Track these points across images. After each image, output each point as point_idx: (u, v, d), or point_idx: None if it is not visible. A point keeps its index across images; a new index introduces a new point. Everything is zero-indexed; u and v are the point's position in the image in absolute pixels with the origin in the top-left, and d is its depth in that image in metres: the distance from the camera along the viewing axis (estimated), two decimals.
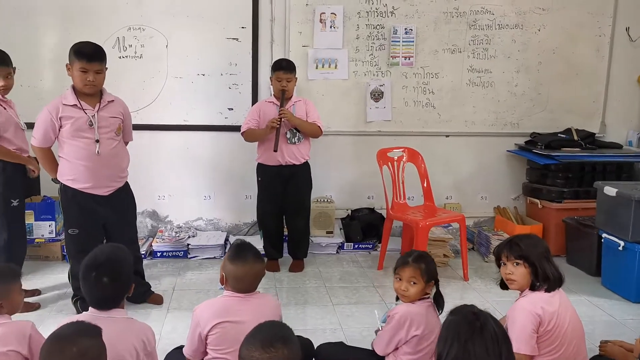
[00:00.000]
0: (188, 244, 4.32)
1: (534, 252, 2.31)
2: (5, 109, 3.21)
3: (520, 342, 2.17)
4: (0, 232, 3.27)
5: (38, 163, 3.36)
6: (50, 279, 3.80)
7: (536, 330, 2.21)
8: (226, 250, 4.07)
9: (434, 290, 2.46)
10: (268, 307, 2.29)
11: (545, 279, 2.29)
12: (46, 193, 4.29)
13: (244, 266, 2.23)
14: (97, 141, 3.06)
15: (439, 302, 2.45)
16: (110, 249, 2.09)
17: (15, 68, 3.29)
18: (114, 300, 2.00)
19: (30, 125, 3.31)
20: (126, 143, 3.37)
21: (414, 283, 2.38)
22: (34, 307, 3.31)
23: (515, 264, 2.33)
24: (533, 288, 2.31)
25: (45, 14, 4.26)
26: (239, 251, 2.29)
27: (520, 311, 2.25)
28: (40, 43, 4.27)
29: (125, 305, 2.07)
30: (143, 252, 4.18)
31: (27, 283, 3.69)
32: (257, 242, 4.24)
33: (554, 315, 2.23)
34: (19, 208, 3.33)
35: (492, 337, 1.64)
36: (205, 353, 2.23)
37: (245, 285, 2.25)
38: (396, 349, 2.39)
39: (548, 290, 2.28)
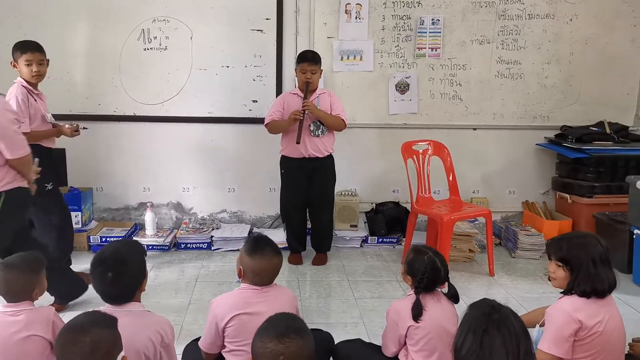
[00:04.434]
0: (212, 236, 4.33)
1: (579, 256, 2.14)
2: (35, 100, 3.25)
3: (552, 343, 2.09)
4: (50, 212, 3.37)
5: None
6: (76, 269, 3.82)
7: (573, 335, 2.10)
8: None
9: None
10: (285, 299, 2.27)
11: (588, 285, 2.12)
12: (72, 184, 4.35)
13: (262, 260, 2.21)
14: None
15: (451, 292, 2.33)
16: (117, 244, 2.06)
17: (48, 60, 3.32)
18: (123, 295, 1.97)
19: (58, 117, 3.36)
20: None
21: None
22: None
23: (557, 264, 2.21)
24: (572, 291, 2.17)
25: (71, 7, 4.28)
26: (257, 245, 2.26)
27: (560, 312, 2.13)
28: (66, 36, 4.30)
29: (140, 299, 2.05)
30: (167, 243, 4.21)
31: None
32: (281, 235, 4.24)
33: (596, 321, 2.10)
34: (55, 191, 3.38)
35: (510, 331, 1.60)
36: (222, 347, 2.22)
37: (263, 279, 2.23)
38: (405, 345, 2.30)
39: (597, 296, 2.14)
